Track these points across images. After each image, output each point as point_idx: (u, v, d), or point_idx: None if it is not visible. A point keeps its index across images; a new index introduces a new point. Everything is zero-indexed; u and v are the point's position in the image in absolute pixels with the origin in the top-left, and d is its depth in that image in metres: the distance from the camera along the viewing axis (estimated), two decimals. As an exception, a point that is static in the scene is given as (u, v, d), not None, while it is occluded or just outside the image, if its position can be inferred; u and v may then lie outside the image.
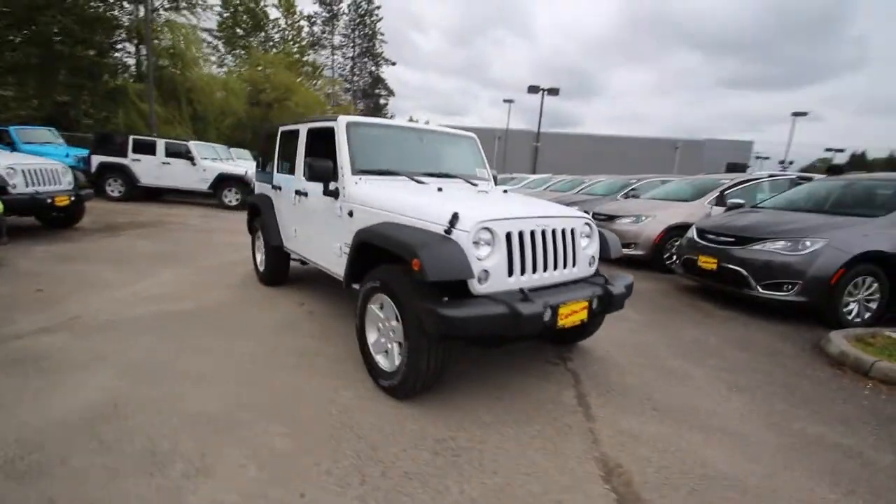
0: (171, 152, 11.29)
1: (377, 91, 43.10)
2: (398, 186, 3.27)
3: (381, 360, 2.73)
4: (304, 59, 30.31)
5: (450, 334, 2.23)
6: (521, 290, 2.45)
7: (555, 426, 2.46)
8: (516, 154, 38.68)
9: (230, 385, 2.70)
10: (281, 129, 4.54)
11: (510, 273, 2.54)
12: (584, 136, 44.83)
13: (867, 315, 4.43)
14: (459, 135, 4.14)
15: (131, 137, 11.33)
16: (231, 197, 11.59)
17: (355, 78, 42.22)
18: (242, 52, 30.99)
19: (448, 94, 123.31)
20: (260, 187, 5.09)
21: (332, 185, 3.35)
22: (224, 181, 11.45)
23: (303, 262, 4.70)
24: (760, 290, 4.58)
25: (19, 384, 2.60)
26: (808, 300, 4.36)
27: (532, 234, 2.65)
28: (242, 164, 12.78)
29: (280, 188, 4.45)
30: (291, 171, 4.21)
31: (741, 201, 6.84)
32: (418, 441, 2.24)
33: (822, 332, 4.17)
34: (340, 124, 3.42)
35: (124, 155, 11.12)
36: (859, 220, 4.57)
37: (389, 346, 2.67)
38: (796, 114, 32.46)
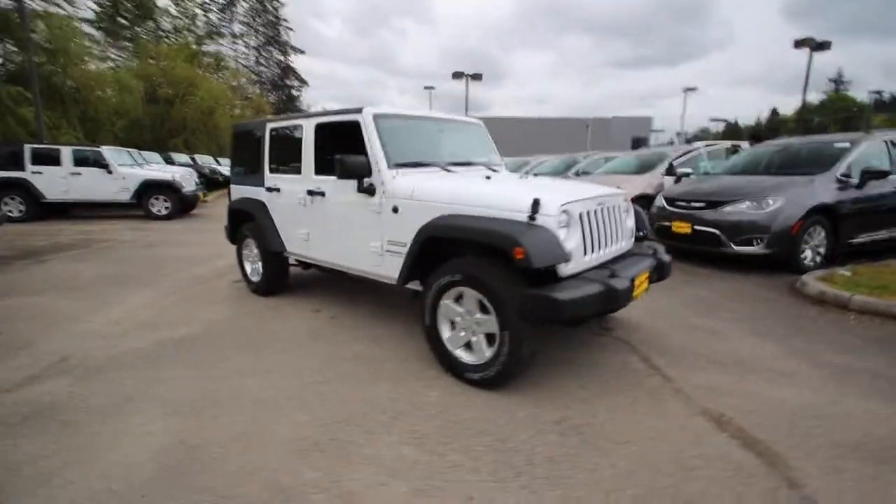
0: (80, 161, 9.81)
1: (288, 82, 40.71)
2: (441, 177, 3.17)
3: (464, 355, 2.68)
4: (204, 49, 27.56)
5: (559, 317, 2.26)
6: (608, 267, 2.54)
7: (645, 391, 2.60)
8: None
9: (307, 404, 2.49)
10: (269, 126, 4.16)
11: (585, 252, 2.61)
12: (510, 119, 46.27)
13: (818, 259, 5.17)
14: (470, 122, 4.09)
15: (27, 147, 9.64)
16: (160, 206, 10.38)
17: (262, 69, 39.46)
18: (129, 44, 27.46)
19: (356, 84, 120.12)
20: (243, 191, 4.64)
21: (366, 182, 3.16)
22: (149, 189, 10.22)
23: (305, 267, 4.41)
24: (734, 247, 5.14)
25: (51, 445, 2.18)
26: (774, 251, 4.98)
27: (595, 212, 2.73)
28: (164, 168, 11.49)
29: (278, 190, 4.10)
30: (295, 170, 3.89)
31: (689, 170, 7.55)
32: (539, 426, 2.25)
33: (787, 277, 4.81)
34: (367, 117, 3.22)
35: (21, 168, 9.45)
36: (804, 178, 5.28)
37: (474, 338, 2.62)
38: (687, 89, 36.22)
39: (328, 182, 3.56)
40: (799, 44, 18.92)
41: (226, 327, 3.73)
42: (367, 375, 2.83)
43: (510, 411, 2.39)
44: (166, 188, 10.23)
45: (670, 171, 7.86)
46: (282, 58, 39.62)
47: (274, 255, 4.29)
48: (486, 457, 2.02)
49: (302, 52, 40.14)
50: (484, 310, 2.54)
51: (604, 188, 3.09)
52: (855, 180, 5.21)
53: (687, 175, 7.31)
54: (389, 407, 2.45)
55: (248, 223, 4.53)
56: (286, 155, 4.12)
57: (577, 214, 2.57)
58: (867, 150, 5.45)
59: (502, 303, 2.39)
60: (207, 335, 3.56)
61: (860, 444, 2.10)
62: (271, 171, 4.18)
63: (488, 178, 3.20)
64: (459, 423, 2.28)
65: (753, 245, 5.04)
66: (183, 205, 10.52)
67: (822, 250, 5.17)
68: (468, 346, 2.68)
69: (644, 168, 8.25)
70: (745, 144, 9.00)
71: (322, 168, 3.64)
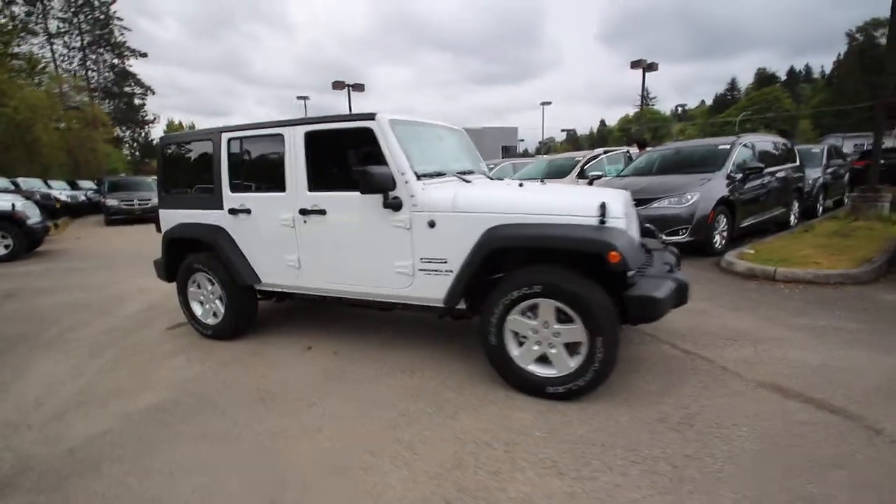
0: None
1: (126, 88, 34.78)
2: (479, 186, 3.00)
3: (539, 369, 2.56)
4: (12, 50, 21.90)
5: (658, 317, 2.29)
6: (668, 264, 2.66)
7: (703, 375, 2.78)
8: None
9: (399, 457, 2.12)
10: (227, 136, 3.49)
11: None
12: None
13: (723, 242, 6.18)
14: (457, 130, 3.96)
15: None
16: (-6, 244, 7.98)
17: (90, 73, 33.04)
18: None
19: (205, 92, 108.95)
20: (183, 216, 3.80)
21: (390, 196, 2.83)
22: (-25, 224, 7.79)
23: (279, 299, 3.80)
24: (665, 238, 5.85)
25: None
26: (695, 239, 5.82)
27: (630, 213, 2.87)
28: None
29: (247, 211, 3.44)
30: (274, 187, 3.32)
31: (600, 173, 8.42)
32: (648, 427, 2.25)
33: (704, 260, 5.67)
34: (383, 123, 2.89)
35: None
36: (706, 175, 6.28)
37: (552, 350, 2.52)
38: (543, 103, 40.59)
39: (329, 199, 3.12)
40: (634, 64, 22.65)
41: (208, 384, 3.00)
42: (433, 411, 2.52)
43: (611, 418, 2.35)
44: (4, 220, 7.91)
45: (581, 174, 8.69)
46: (116, 61, 33.73)
47: (243, 290, 3.60)
48: (632, 470, 1.95)
49: (143, 54, 34.66)
50: (563, 319, 2.46)
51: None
52: (739, 175, 6.37)
53: (598, 178, 8.14)
54: (492, 440, 2.21)
55: (198, 254, 3.73)
56: (257, 169, 3.50)
57: (626, 216, 2.66)
58: (740, 151, 6.71)
59: (592, 309, 2.34)
60: (191, 397, 2.82)
61: (883, 387, 2.54)
62: (234, 188, 3.50)
63: (521, 185, 3.13)
64: (578, 441, 2.17)
65: (679, 234, 5.82)
66: (29, 241, 8.25)
67: (724, 234, 6.21)
68: (541, 359, 2.57)
69: (558, 173, 8.97)
70: (633, 149, 10.37)
71: (319, 183, 3.17)
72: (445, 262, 2.80)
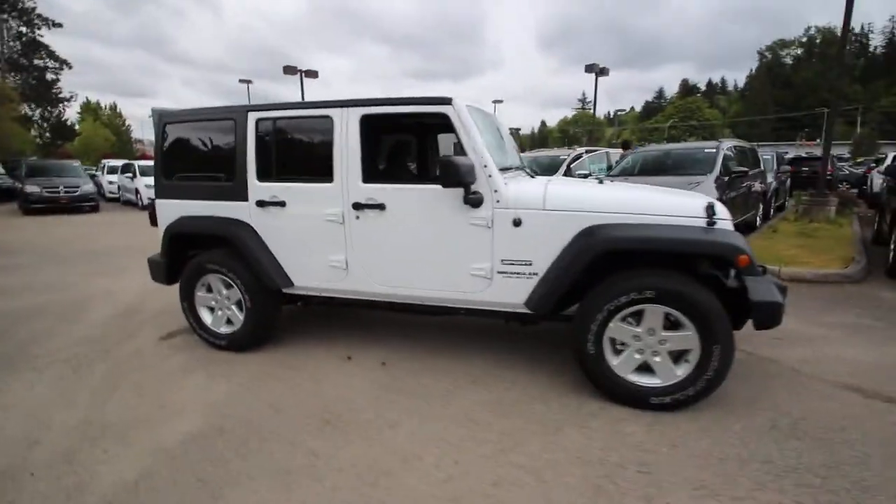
0: None
1: (38, 61, 30.53)
2: (567, 183, 2.81)
3: (640, 379, 2.41)
4: None
5: (778, 324, 2.22)
6: (762, 267, 2.62)
7: (787, 379, 2.76)
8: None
9: (524, 488, 1.88)
10: (255, 116, 3.00)
11: None
12: None
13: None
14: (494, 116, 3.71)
15: None
16: None
17: (-11, 41, 28.47)
18: None
19: (123, 70, 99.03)
20: (190, 208, 3.24)
21: (472, 190, 2.55)
22: None
23: (306, 303, 3.38)
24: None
25: None
26: (692, 238, 6.02)
27: None
28: None
29: (281, 204, 2.99)
30: (317, 177, 2.90)
31: (586, 172, 8.52)
32: (765, 435, 2.18)
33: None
34: (460, 108, 2.59)
35: None
36: (697, 178, 6.50)
37: (657, 359, 2.38)
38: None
39: (390, 192, 2.77)
40: (588, 69, 23.45)
41: (251, 406, 2.56)
42: (535, 428, 2.30)
43: (725, 428, 2.25)
44: None
45: (568, 173, 8.76)
46: (25, 29, 29.47)
47: (268, 295, 3.14)
48: (785, 484, 1.85)
49: (58, 24, 30.57)
50: (670, 326, 2.34)
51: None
52: (726, 178, 6.67)
53: (585, 177, 8.23)
54: (622, 460, 2.03)
55: (211, 252, 3.21)
56: (295, 156, 3.05)
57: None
58: (725, 154, 7.03)
59: (709, 316, 2.23)
60: (236, 423, 2.38)
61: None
62: (262, 177, 3.02)
63: (601, 181, 2.96)
64: (709, 457, 2.04)
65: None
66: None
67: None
68: (643, 368, 2.43)
69: (544, 171, 8.96)
70: (611, 150, 10.63)
71: (375, 173, 2.81)
72: (530, 265, 2.58)
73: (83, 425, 2.42)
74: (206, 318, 3.35)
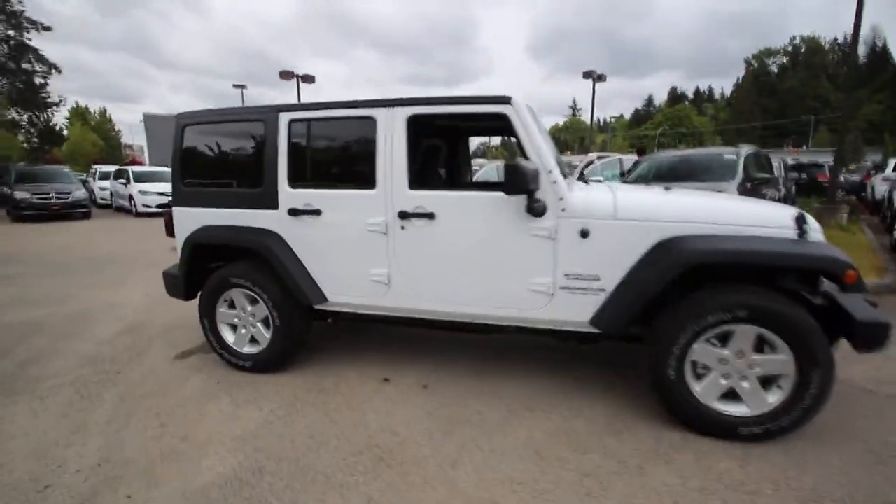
0: None
1: (26, 65, 29.82)
2: (634, 190, 2.59)
3: (727, 407, 2.18)
4: None
5: (884, 346, 2.01)
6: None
7: (863, 401, 2.57)
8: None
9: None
10: (288, 118, 2.74)
11: None
12: None
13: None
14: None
15: None
16: None
17: (-27, 44, 27.76)
18: None
19: (111, 75, 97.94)
20: (212, 216, 2.97)
21: (536, 197, 2.32)
22: None
23: (336, 319, 3.12)
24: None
25: None
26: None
27: None
28: None
29: (316, 212, 2.73)
30: (357, 183, 2.65)
31: (600, 178, 8.35)
32: (872, 468, 1.96)
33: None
34: (521, 107, 2.37)
35: None
36: (719, 184, 6.35)
37: (745, 384, 2.15)
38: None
39: (442, 199, 2.52)
40: (586, 75, 23.50)
41: (289, 439, 2.28)
42: (615, 466, 2.05)
43: (822, 461, 2.03)
44: None
45: (581, 178, 8.57)
46: (13, 32, 28.76)
47: (299, 311, 2.88)
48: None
49: (47, 28, 29.89)
50: (760, 349, 2.11)
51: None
52: (749, 185, 6.52)
53: (598, 181, 8.06)
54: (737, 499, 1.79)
55: (235, 265, 2.94)
56: (332, 160, 2.81)
57: None
58: (745, 161, 6.91)
59: (808, 339, 2.01)
60: (275, 461, 2.10)
61: None
62: (295, 183, 2.77)
63: (667, 188, 2.75)
64: (818, 499, 1.81)
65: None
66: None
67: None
68: (728, 395, 2.20)
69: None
70: (624, 157, 10.50)
71: (423, 179, 2.57)
72: (597, 280, 2.34)
73: (100, 463, 2.13)
74: (228, 336, 3.06)
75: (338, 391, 2.79)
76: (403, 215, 2.57)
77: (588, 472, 2.01)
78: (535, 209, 2.32)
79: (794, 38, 60.11)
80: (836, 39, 57.41)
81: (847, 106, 9.62)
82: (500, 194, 2.36)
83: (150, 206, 12.82)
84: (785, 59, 60.42)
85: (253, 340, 3.03)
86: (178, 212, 3.12)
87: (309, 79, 22.98)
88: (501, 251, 2.46)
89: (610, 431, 2.31)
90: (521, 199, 2.34)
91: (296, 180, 2.77)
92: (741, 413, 2.16)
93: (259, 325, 2.98)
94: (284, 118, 2.75)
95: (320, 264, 2.81)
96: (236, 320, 3.04)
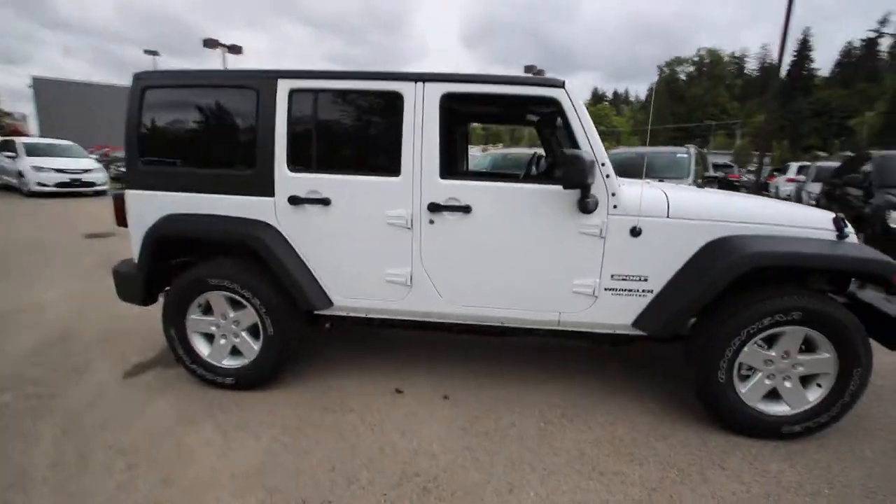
0: None
1: None
2: (679, 188, 2.47)
3: (769, 407, 2.18)
4: None
5: None
6: None
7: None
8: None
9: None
10: (289, 86, 2.28)
11: None
12: None
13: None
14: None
15: None
16: None
17: None
18: None
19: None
20: (186, 202, 2.42)
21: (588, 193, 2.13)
22: None
23: (333, 324, 2.73)
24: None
25: None
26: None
27: None
28: None
29: (323, 202, 2.32)
30: (378, 169, 2.28)
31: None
32: (910, 465, 2.06)
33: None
34: (572, 91, 2.15)
35: None
36: (678, 181, 6.67)
37: (787, 384, 2.16)
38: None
39: (481, 191, 2.24)
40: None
41: (303, 473, 1.91)
42: (676, 476, 1.95)
43: (856, 454, 2.09)
44: None
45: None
46: None
47: (296, 317, 2.46)
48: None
49: None
50: (808, 349, 2.13)
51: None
52: (699, 182, 6.93)
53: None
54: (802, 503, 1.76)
55: (218, 264, 2.43)
56: (345, 141, 2.39)
57: None
58: (694, 159, 7.34)
59: (854, 339, 2.04)
60: (305, 499, 1.74)
61: None
62: (297, 168, 2.33)
63: (700, 185, 2.68)
64: (870, 495, 1.85)
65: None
66: None
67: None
68: (771, 395, 2.20)
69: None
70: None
71: (455, 168, 2.27)
72: (645, 280, 2.23)
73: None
74: (202, 348, 2.55)
75: (346, 407, 2.43)
76: (434, 208, 2.25)
77: (653, 486, 1.89)
78: (588, 205, 2.13)
79: (701, 49, 66.21)
80: (733, 53, 64.34)
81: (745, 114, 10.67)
82: (555, 188, 2.14)
83: (46, 185, 10.90)
84: (692, 68, 66.38)
85: (235, 352, 2.56)
86: (133, 196, 2.51)
87: (236, 49, 21.00)
88: (545, 250, 2.25)
89: (656, 436, 2.22)
90: (573, 194, 2.15)
91: (298, 163, 2.33)
92: (783, 412, 2.17)
93: (244, 333, 2.51)
94: (284, 86, 2.29)
95: (326, 262, 2.41)
96: (213, 328, 2.53)
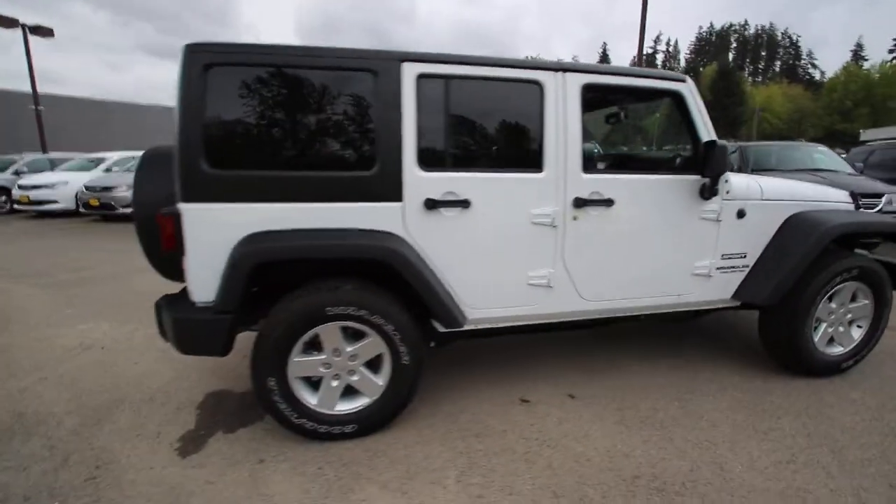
0: None
1: None
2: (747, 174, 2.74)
3: (830, 349, 2.68)
4: None
5: None
6: None
7: None
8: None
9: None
10: (416, 71, 1.94)
11: None
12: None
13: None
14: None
15: None
16: None
17: None
18: None
19: None
20: (278, 215, 1.88)
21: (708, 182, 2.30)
22: None
23: (442, 343, 2.48)
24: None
25: None
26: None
27: None
28: None
29: (463, 203, 2.03)
30: (519, 164, 2.10)
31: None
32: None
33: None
34: (693, 87, 2.28)
35: None
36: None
37: (841, 329, 2.68)
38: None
39: (623, 184, 2.24)
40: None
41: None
42: (834, 430, 2.19)
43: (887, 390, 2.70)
44: None
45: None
46: None
47: (424, 340, 2.15)
48: None
49: None
50: (851, 299, 2.67)
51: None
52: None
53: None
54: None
55: (335, 289, 1.96)
56: (481, 135, 2.11)
57: None
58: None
59: (885, 286, 2.63)
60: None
61: None
62: (430, 167, 2.00)
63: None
64: (923, 403, 2.43)
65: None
66: None
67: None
68: (829, 340, 2.70)
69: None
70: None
71: (588, 161, 2.23)
72: (744, 257, 2.53)
73: None
74: (307, 396, 2.04)
75: (494, 429, 2.20)
76: (579, 203, 2.18)
77: (808, 431, 2.17)
78: (714, 191, 2.31)
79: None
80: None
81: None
82: (689, 177, 2.26)
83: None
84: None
85: (349, 392, 2.10)
86: (194, 211, 1.85)
87: (44, 31, 16.29)
88: (673, 237, 2.37)
89: (778, 394, 2.49)
90: (696, 182, 2.30)
91: (430, 161, 2.01)
92: (840, 352, 2.70)
93: (363, 368, 2.08)
94: (410, 71, 1.95)
95: (462, 272, 2.13)
96: (321, 369, 2.04)
